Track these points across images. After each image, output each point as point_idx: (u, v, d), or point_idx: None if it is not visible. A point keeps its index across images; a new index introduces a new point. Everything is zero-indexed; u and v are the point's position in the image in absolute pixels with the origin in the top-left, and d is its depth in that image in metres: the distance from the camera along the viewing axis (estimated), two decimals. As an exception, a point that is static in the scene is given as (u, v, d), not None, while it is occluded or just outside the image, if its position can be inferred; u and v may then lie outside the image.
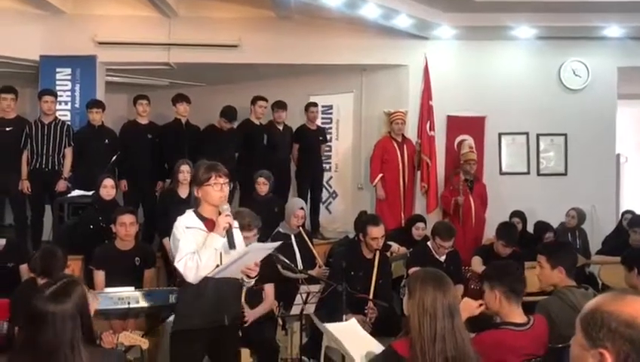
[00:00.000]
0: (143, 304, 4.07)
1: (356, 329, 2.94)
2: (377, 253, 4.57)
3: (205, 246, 3.15)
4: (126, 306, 4.02)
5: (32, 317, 2.08)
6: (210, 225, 3.24)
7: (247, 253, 3.13)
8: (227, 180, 3.30)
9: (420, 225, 6.21)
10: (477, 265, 5.29)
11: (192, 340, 3.28)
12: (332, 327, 2.91)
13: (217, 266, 3.15)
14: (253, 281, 3.37)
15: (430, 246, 5.04)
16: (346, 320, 3.76)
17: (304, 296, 4.51)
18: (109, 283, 4.56)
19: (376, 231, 4.52)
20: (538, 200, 7.63)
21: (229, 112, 7.05)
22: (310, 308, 4.57)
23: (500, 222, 5.63)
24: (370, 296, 4.31)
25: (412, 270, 4.81)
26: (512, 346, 2.83)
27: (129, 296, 4.04)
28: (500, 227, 5.43)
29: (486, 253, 5.39)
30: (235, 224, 3.32)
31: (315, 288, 4.47)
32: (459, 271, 5.15)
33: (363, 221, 4.72)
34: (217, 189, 3.24)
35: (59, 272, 3.82)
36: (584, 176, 7.79)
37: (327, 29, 7.64)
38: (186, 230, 3.21)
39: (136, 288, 4.29)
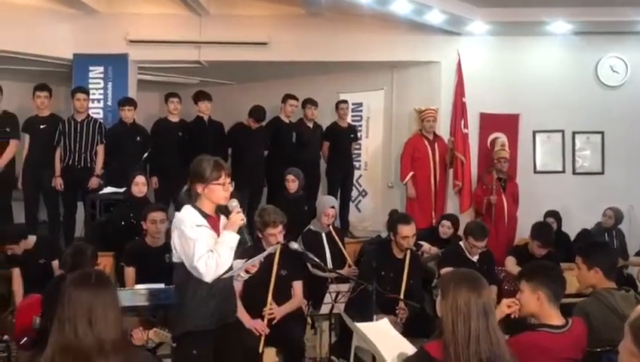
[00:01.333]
0: (174, 301, 4.04)
1: (388, 329, 2.88)
2: (408, 252, 4.49)
3: (222, 244, 3.09)
4: (156, 303, 4.01)
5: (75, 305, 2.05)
6: (212, 221, 3.19)
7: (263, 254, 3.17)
8: (230, 179, 3.25)
9: (446, 223, 6.09)
10: (511, 265, 5.17)
11: (203, 341, 3.20)
12: (363, 327, 2.85)
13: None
14: (247, 276, 3.38)
15: (463, 246, 4.94)
16: (377, 320, 3.71)
17: (333, 295, 4.46)
18: (140, 279, 4.56)
19: (407, 230, 4.44)
20: (573, 199, 7.45)
21: (257, 112, 7.04)
22: (339, 308, 4.52)
23: (535, 222, 5.48)
24: (401, 297, 4.23)
25: (444, 270, 4.73)
26: (548, 349, 2.74)
27: (159, 293, 4.02)
28: (536, 227, 5.30)
29: (520, 254, 5.26)
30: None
31: (345, 287, 4.42)
32: (492, 272, 5.04)
33: (394, 219, 4.65)
34: (225, 189, 3.18)
35: (89, 265, 3.85)
36: (621, 175, 7.56)
37: (357, 25, 7.56)
38: (197, 228, 3.11)
39: (166, 285, 4.29)
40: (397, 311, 4.19)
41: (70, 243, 6.25)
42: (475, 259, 4.89)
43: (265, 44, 7.66)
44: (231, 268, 3.19)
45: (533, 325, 2.91)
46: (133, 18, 7.79)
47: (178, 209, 3.31)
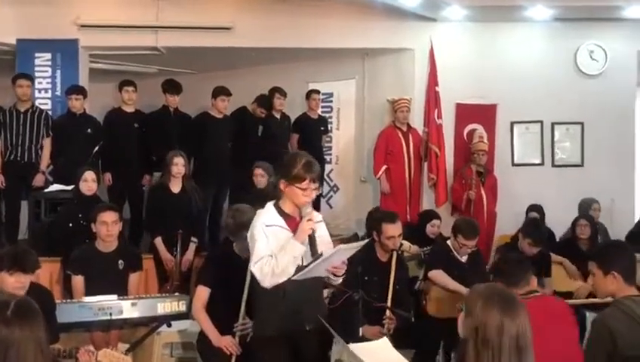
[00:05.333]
0: (127, 315, 3.53)
1: (388, 351, 2.42)
2: (394, 254, 4.05)
3: (285, 251, 2.88)
4: (107, 318, 3.49)
5: None
6: (292, 223, 2.97)
7: (333, 255, 2.86)
8: (318, 185, 3.04)
9: (436, 222, 5.69)
10: (501, 265, 4.78)
11: (274, 346, 3.01)
12: (359, 349, 2.38)
13: (298, 267, 2.92)
14: (340, 279, 3.08)
15: (451, 245, 4.52)
16: (363, 332, 3.27)
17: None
18: (90, 289, 4.05)
19: (393, 229, 4.00)
20: (552, 193, 7.12)
21: (222, 89, 6.53)
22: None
23: (526, 218, 5.13)
24: (388, 304, 3.79)
25: (433, 273, 4.32)
26: None
27: (111, 306, 3.50)
28: (527, 224, 4.94)
29: (510, 252, 4.86)
30: (321, 224, 3.07)
31: (324, 293, 3.97)
32: (482, 273, 4.62)
33: (377, 218, 4.20)
34: (306, 195, 2.95)
35: (33, 269, 3.27)
36: (602, 168, 7.28)
37: (327, 10, 7.11)
38: (265, 229, 2.91)
39: (120, 294, 3.78)
40: (384, 321, 3.75)
41: (13, 247, 5.67)
42: (463, 259, 4.49)
43: (228, 28, 7.13)
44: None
45: None
46: (84, 0, 7.15)
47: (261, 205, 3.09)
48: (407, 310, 3.88)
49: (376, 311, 3.71)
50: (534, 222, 5.17)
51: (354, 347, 2.39)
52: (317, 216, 3.08)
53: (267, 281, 2.89)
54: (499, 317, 1.82)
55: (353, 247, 3.02)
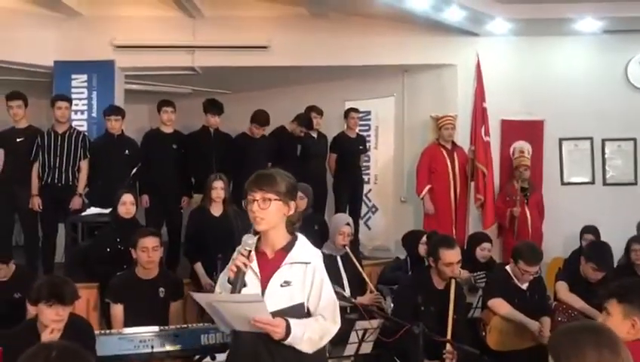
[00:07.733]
0: (170, 347, 3.35)
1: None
2: (452, 282, 3.76)
3: (224, 291, 2.43)
4: (149, 350, 3.30)
5: None
6: (259, 256, 2.42)
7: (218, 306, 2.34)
8: (268, 195, 2.36)
9: (486, 245, 5.36)
10: (564, 292, 4.43)
11: None
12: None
13: None
14: (299, 343, 2.33)
15: (510, 271, 4.21)
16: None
17: (360, 333, 3.77)
18: (129, 318, 3.87)
19: (452, 256, 3.72)
20: (605, 213, 6.74)
21: (260, 117, 6.36)
22: (366, 348, 3.83)
23: (590, 241, 4.80)
24: (448, 336, 3.52)
25: (493, 301, 4.04)
26: None
27: (152, 338, 3.32)
28: (591, 247, 4.59)
29: (572, 278, 4.53)
30: (308, 269, 2.39)
31: (375, 323, 3.72)
32: (544, 301, 4.34)
33: (434, 243, 3.93)
34: (249, 209, 2.39)
35: (72, 300, 3.07)
36: (658, 186, 6.95)
37: (365, 26, 6.98)
38: (235, 255, 2.43)
39: (160, 324, 3.61)
40: (444, 356, 3.47)
41: (49, 271, 5.55)
42: (524, 286, 4.18)
43: (265, 47, 7.04)
44: None
45: None
46: (119, 21, 7.16)
47: None
48: (467, 341, 3.59)
49: (434, 344, 3.43)
50: (598, 243, 4.80)
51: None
52: (301, 254, 2.40)
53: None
54: (595, 353, 1.59)
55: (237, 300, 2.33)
